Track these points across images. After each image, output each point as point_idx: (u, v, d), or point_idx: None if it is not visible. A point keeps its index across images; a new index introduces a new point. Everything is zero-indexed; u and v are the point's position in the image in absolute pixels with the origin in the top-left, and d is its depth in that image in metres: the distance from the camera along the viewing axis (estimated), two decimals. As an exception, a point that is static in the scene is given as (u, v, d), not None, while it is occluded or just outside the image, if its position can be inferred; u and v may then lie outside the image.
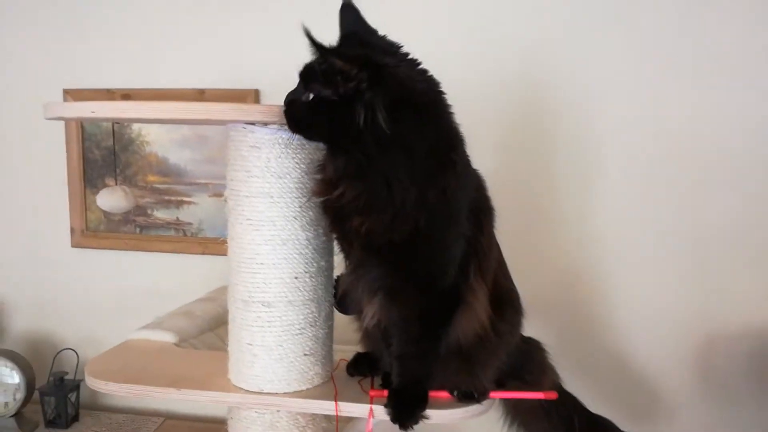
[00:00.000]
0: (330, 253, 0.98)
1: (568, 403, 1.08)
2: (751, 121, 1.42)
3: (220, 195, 1.57)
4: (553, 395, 0.97)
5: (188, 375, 1.01)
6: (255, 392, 0.94)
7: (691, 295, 1.49)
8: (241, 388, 0.95)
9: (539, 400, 1.00)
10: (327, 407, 0.92)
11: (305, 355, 0.96)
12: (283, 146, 0.90)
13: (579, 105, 1.49)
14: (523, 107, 1.52)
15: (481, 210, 0.90)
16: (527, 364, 1.03)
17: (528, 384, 1.01)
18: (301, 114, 0.82)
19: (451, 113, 0.86)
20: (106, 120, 0.94)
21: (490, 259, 0.92)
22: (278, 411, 0.95)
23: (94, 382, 0.99)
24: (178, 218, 1.67)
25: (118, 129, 1.65)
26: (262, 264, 0.92)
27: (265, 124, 0.90)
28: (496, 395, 0.96)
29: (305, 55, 0.80)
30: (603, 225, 1.51)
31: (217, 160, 1.62)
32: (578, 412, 1.08)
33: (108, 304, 1.73)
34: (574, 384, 1.11)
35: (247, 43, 1.60)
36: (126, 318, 1.69)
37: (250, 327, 0.94)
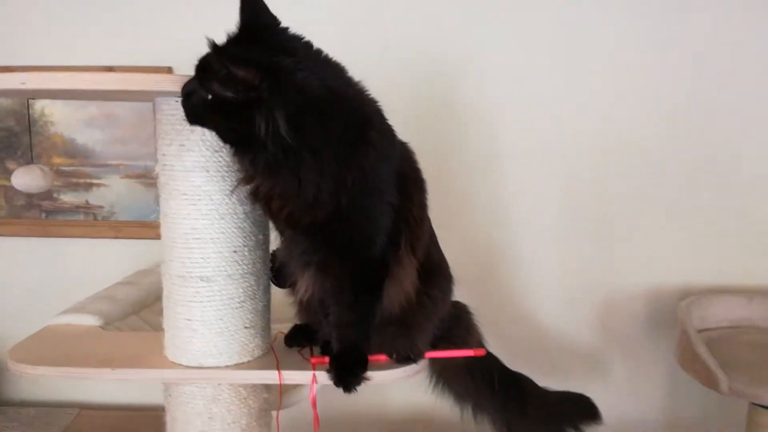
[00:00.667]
0: (267, 227, 0.99)
1: (489, 362, 1.15)
2: (646, 108, 1.56)
3: (133, 176, 1.54)
4: (482, 352, 1.04)
5: (120, 355, 0.99)
6: (196, 367, 0.94)
7: (591, 263, 1.62)
8: (180, 364, 0.95)
9: (465, 359, 1.07)
10: (270, 377, 0.94)
11: (246, 327, 0.97)
12: (218, 120, 0.90)
13: (490, 94, 1.57)
14: (435, 95, 1.58)
15: (409, 180, 0.94)
16: (456, 326, 1.09)
17: (457, 345, 1.07)
18: (200, 110, 0.80)
19: (361, 92, 0.86)
20: (37, 92, 0.89)
21: (422, 230, 0.96)
22: (219, 384, 0.96)
23: (20, 368, 0.95)
24: (87, 201, 1.60)
25: (19, 109, 1.55)
26: (199, 239, 0.92)
27: (200, 97, 0.89)
28: (431, 355, 1.01)
29: (218, 31, 0.79)
30: (513, 204, 1.61)
31: (128, 139, 1.56)
32: (498, 369, 1.16)
33: (13, 293, 1.64)
34: (493, 345, 1.19)
35: (158, 18, 1.55)
36: (34, 307, 1.61)
37: (189, 303, 0.93)
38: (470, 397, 1.14)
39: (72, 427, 1.52)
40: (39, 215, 1.60)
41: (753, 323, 1.52)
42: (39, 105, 1.55)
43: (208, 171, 0.91)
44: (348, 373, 0.93)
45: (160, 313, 1.28)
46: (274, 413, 1.04)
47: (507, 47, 1.55)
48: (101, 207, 1.60)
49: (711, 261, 1.60)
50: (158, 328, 1.24)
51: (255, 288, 0.97)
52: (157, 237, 1.51)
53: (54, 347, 1.03)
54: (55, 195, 1.59)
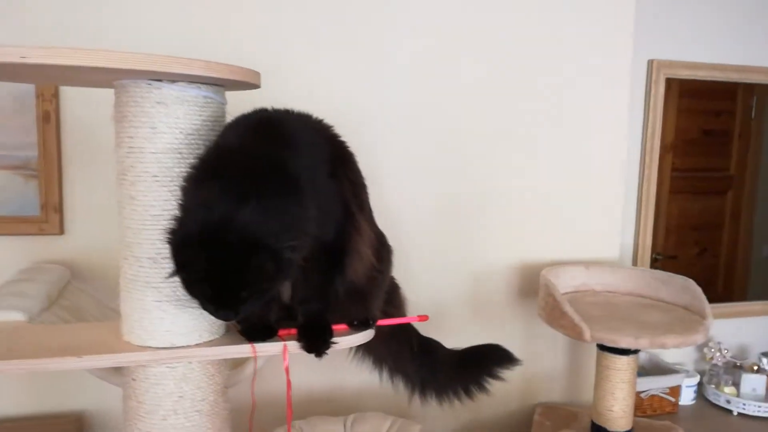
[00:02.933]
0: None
1: (407, 329, 1.30)
2: (486, 104, 1.82)
3: (10, 168, 1.44)
4: (425, 318, 1.18)
5: (76, 345, 0.96)
6: (168, 347, 0.95)
7: (459, 246, 1.83)
8: (149, 346, 0.95)
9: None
10: (244, 350, 0.98)
11: (212, 305, 1.00)
12: (190, 104, 0.93)
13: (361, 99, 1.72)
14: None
15: (340, 158, 1.02)
16: (390, 297, 1.22)
17: (391, 314, 1.20)
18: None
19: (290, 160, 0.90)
20: (36, 71, 0.82)
21: (365, 192, 1.07)
22: (190, 363, 0.98)
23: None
24: (-47, 196, 1.44)
25: None
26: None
27: (173, 81, 0.91)
28: (384, 322, 1.12)
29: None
30: (392, 198, 1.76)
31: (6, 128, 1.44)
32: (414, 335, 1.31)
33: None
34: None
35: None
36: None
37: (159, 284, 0.94)
38: (389, 360, 1.27)
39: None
40: None
41: (590, 287, 1.85)
42: None
43: (180, 153, 0.93)
44: (317, 340, 1.01)
45: (67, 308, 1.25)
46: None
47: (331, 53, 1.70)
48: (-29, 201, 1.45)
49: (556, 240, 1.91)
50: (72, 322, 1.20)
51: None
52: (39, 232, 1.44)
53: (-6, 343, 0.96)
54: None
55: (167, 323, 0.95)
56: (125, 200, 0.94)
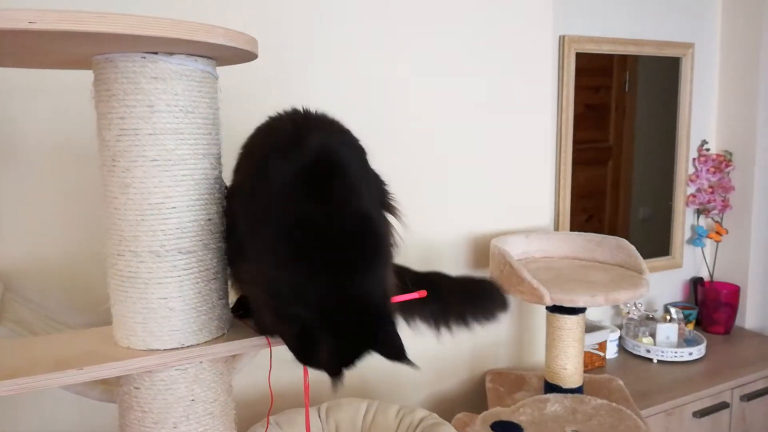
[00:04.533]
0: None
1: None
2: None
3: None
4: (424, 293, 1.16)
5: (66, 356, 0.84)
6: (176, 348, 0.87)
7: (416, 218, 1.84)
8: (155, 349, 0.86)
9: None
10: (259, 343, 0.92)
11: (220, 299, 0.92)
12: (189, 79, 0.85)
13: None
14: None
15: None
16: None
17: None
18: None
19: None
20: (44, 37, 0.68)
21: None
22: (201, 362, 0.90)
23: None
24: None
25: None
26: (174, 208, 0.85)
27: (170, 53, 0.82)
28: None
29: None
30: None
31: None
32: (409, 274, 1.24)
33: None
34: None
35: None
36: None
37: (164, 279, 0.85)
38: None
39: None
40: None
41: (530, 255, 1.94)
42: None
43: (181, 134, 0.85)
44: None
45: (16, 322, 1.11)
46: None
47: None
48: None
49: (495, 213, 1.97)
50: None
51: (223, 258, 0.93)
52: None
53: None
54: None
55: (174, 321, 0.87)
56: (118, 189, 0.84)
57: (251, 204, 0.84)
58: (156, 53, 0.81)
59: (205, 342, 0.90)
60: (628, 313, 2.37)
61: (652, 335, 2.31)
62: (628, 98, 2.63)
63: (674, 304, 2.57)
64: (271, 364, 0.96)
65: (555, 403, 1.52)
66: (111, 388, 0.97)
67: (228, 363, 0.96)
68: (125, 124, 0.82)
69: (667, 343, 2.28)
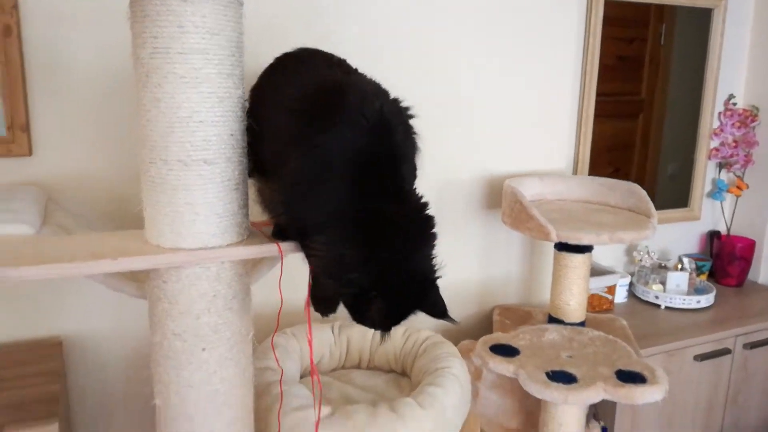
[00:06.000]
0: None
1: None
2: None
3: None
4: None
5: (103, 250, 0.96)
6: (200, 249, 0.97)
7: (437, 156, 1.92)
8: (182, 248, 0.97)
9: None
10: (272, 250, 1.02)
11: (241, 208, 1.02)
12: (215, 2, 0.92)
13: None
14: None
15: None
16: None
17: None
18: None
19: None
20: None
21: None
22: (223, 263, 1.00)
23: (5, 271, 0.87)
24: None
25: None
26: (200, 122, 0.94)
27: (198, -22, 0.90)
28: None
29: None
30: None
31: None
32: None
33: None
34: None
35: None
36: None
37: (191, 186, 0.95)
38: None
39: None
40: None
41: (544, 197, 2.00)
42: None
43: (207, 54, 0.93)
44: None
45: (59, 226, 1.23)
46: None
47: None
48: (-73, 122, 1.35)
49: (512, 155, 2.03)
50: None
51: (245, 172, 1.02)
52: (7, 154, 1.40)
53: (18, 253, 0.94)
54: None
55: (199, 225, 0.97)
56: (150, 103, 0.93)
57: (308, 158, 0.89)
58: (184, -22, 0.89)
59: (226, 245, 1.00)
60: (641, 260, 2.43)
61: (663, 283, 2.36)
62: (663, 51, 2.61)
63: (689, 255, 2.61)
64: (282, 271, 1.06)
65: (553, 332, 1.61)
66: (143, 285, 1.08)
67: (247, 266, 1.06)
68: (157, 42, 0.91)
69: (676, 290, 2.34)
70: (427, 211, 0.94)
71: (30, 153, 1.44)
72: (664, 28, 2.58)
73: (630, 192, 1.86)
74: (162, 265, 0.96)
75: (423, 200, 0.95)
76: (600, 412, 1.98)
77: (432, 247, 0.93)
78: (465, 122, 1.94)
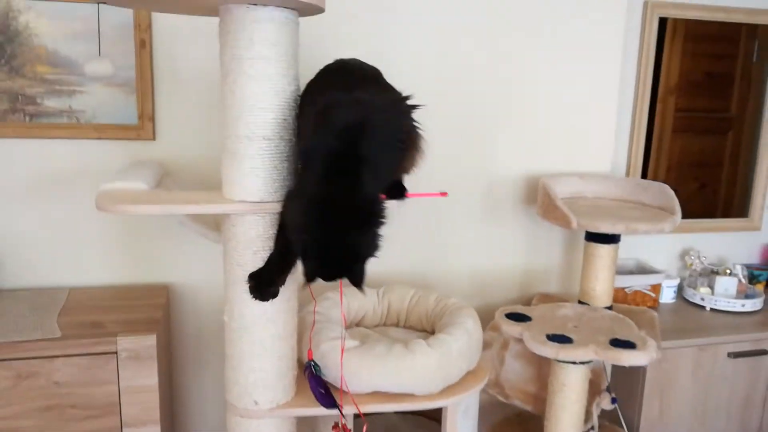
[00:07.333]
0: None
1: None
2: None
3: (114, 85, 1.80)
4: (445, 194, 1.54)
5: (193, 200, 1.34)
6: (259, 202, 1.33)
7: (475, 159, 2.19)
8: (246, 201, 1.33)
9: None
10: (312, 205, 1.36)
11: (288, 174, 1.37)
12: (275, 22, 1.28)
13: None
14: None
15: None
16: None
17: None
18: None
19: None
20: None
21: None
22: (273, 213, 1.35)
23: (127, 208, 1.27)
24: (70, 106, 1.81)
25: (2, 20, 1.71)
26: (262, 109, 1.29)
27: (265, 5, 1.26)
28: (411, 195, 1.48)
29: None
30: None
31: (108, 55, 1.80)
32: None
33: (3, 191, 1.81)
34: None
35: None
36: (25, 203, 1.82)
37: (253, 156, 1.31)
38: None
39: (68, 302, 1.77)
40: (23, 119, 1.79)
41: (583, 194, 2.20)
42: (23, 18, 1.73)
43: (269, 59, 1.28)
44: None
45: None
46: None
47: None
48: (83, 111, 1.83)
49: (557, 157, 2.25)
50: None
51: (293, 148, 1.37)
52: (137, 138, 1.82)
53: (130, 197, 1.34)
54: (38, 100, 1.79)
55: (258, 184, 1.32)
56: (227, 94, 1.30)
57: (301, 150, 1.29)
58: (256, 4, 1.25)
59: (276, 201, 1.35)
60: (692, 264, 2.54)
61: (711, 287, 2.47)
62: (755, 68, 2.67)
63: (748, 265, 2.67)
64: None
65: (568, 308, 1.83)
66: (219, 234, 1.46)
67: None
68: (234, 51, 1.28)
69: (724, 294, 2.43)
70: (375, 206, 1.19)
71: (154, 138, 1.89)
72: (757, 45, 2.66)
73: (661, 192, 2.03)
74: (230, 212, 1.33)
75: (375, 197, 1.19)
76: (625, 404, 2.15)
77: (370, 233, 1.18)
78: (515, 125, 2.19)
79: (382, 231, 1.20)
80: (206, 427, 2.10)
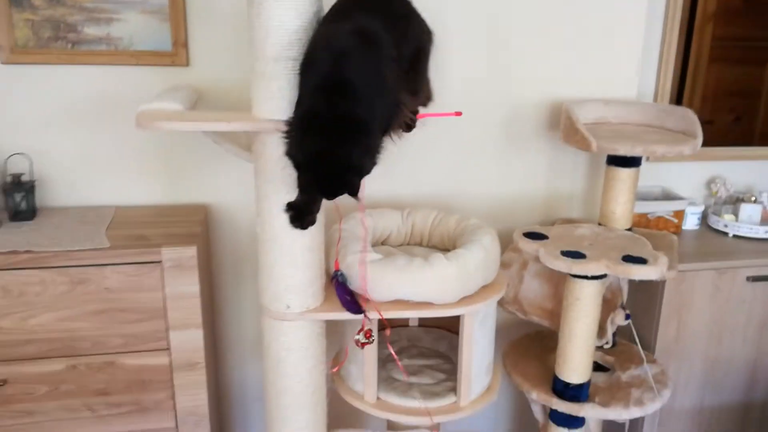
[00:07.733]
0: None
1: None
2: None
3: (149, 12, 1.87)
4: (459, 113, 1.60)
5: (221, 118, 1.43)
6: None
7: (501, 82, 2.22)
8: (271, 119, 1.42)
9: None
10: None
11: (314, 94, 1.45)
12: (299, -55, 1.33)
13: None
14: None
15: None
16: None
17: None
18: None
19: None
20: None
21: None
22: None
23: (159, 124, 1.37)
24: (108, 34, 1.90)
25: (43, -50, 1.79)
26: (286, 29, 1.35)
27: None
28: (423, 116, 1.54)
29: None
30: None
31: (143, -20, 1.88)
32: None
33: (49, 115, 1.94)
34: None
35: None
36: (67, 125, 1.95)
37: (279, 75, 1.37)
38: None
39: (114, 219, 1.91)
40: (65, 46, 1.89)
41: (607, 120, 2.22)
42: (62, -53, 1.81)
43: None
44: None
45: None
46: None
47: None
48: (121, 38, 1.91)
49: (581, 82, 2.26)
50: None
51: (318, 68, 1.44)
52: (171, 64, 1.90)
53: (170, 116, 1.44)
54: (78, 28, 1.88)
55: (282, 103, 1.39)
56: (255, 18, 1.37)
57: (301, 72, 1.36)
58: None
59: (302, 119, 1.43)
60: (717, 192, 2.55)
61: (736, 214, 2.48)
62: None
63: (776, 193, 2.67)
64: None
65: (586, 229, 1.89)
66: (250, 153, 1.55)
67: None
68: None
69: (748, 221, 2.45)
70: (362, 123, 1.24)
71: (187, 64, 1.97)
72: (800, -30, 2.56)
73: (683, 117, 2.04)
74: (257, 129, 1.42)
75: (362, 115, 1.24)
76: (642, 325, 2.23)
77: (361, 147, 1.24)
78: (540, 49, 2.20)
79: (377, 145, 1.28)
80: (243, 331, 2.28)
